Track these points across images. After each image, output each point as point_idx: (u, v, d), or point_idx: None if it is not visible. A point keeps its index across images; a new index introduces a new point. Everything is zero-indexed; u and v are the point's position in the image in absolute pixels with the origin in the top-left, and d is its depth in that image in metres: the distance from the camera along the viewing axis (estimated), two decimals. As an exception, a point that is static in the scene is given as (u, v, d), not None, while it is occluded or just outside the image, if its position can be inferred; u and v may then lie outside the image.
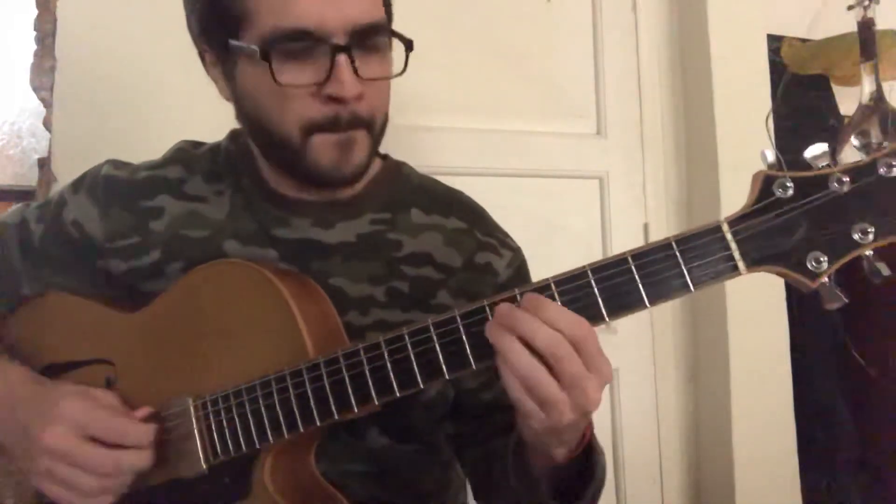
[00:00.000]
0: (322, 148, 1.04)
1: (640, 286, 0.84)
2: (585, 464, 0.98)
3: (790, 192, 0.80)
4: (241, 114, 1.11)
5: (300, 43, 0.99)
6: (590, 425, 0.95)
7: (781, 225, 0.81)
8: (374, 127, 1.08)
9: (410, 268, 1.15)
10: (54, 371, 1.14)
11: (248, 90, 1.06)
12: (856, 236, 0.79)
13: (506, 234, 1.25)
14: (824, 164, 0.80)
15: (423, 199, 1.21)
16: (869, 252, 0.79)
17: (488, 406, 1.17)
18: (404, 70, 1.07)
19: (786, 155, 0.81)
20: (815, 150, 0.80)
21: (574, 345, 0.82)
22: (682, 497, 2.30)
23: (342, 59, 0.99)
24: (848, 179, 0.79)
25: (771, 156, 0.82)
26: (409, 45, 1.05)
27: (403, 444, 1.15)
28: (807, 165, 0.81)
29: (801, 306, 2.25)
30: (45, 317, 1.20)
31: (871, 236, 0.78)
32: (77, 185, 1.21)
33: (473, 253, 1.19)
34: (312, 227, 1.14)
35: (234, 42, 1.02)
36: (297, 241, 1.13)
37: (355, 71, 1.00)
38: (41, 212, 1.22)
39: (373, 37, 1.03)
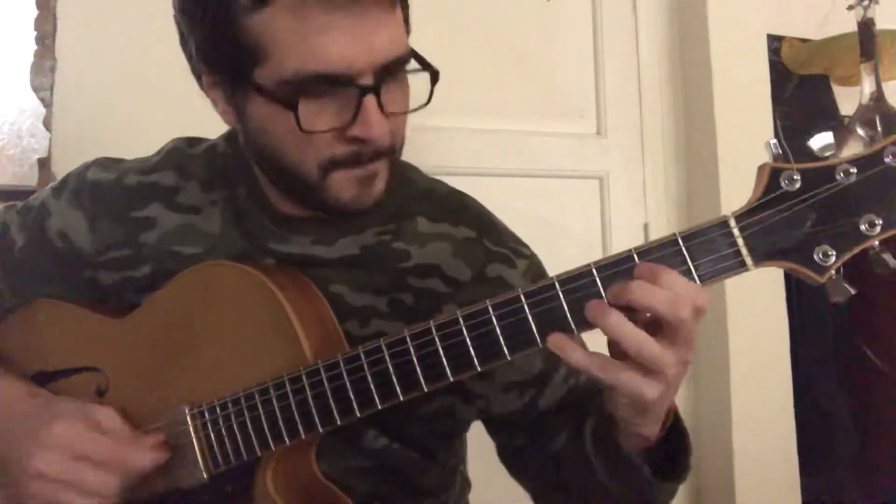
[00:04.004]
0: (343, 184, 0.99)
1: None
2: (670, 440, 0.96)
3: (797, 184, 0.79)
4: (249, 143, 1.04)
5: (325, 86, 0.91)
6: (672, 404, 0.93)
7: (789, 219, 0.79)
8: (395, 153, 1.02)
9: (416, 279, 1.11)
10: (43, 380, 1.11)
11: (262, 127, 0.98)
12: (863, 228, 0.77)
13: (518, 241, 1.19)
14: (830, 154, 0.79)
15: (429, 206, 1.16)
16: (875, 244, 0.78)
17: (539, 416, 1.13)
18: (429, 101, 0.99)
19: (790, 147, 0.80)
20: (821, 141, 0.79)
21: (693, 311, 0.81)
22: (682, 497, 2.29)
23: (370, 100, 0.92)
24: (855, 170, 0.77)
25: (776, 147, 0.80)
26: (434, 76, 0.98)
27: (401, 446, 1.13)
28: (811, 156, 0.80)
29: (801, 306, 2.25)
30: (32, 324, 1.16)
31: (878, 228, 0.77)
32: (59, 189, 1.15)
33: (484, 265, 1.13)
34: (314, 245, 1.10)
35: (257, 81, 0.93)
36: (294, 255, 1.10)
37: (381, 108, 0.94)
38: (23, 219, 1.17)
39: (398, 69, 0.96)
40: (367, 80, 0.92)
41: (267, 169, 1.06)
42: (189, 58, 1.03)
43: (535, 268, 1.17)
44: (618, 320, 0.80)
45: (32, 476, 0.95)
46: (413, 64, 0.99)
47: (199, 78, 1.05)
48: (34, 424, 0.98)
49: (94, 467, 0.95)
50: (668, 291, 0.79)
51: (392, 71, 0.95)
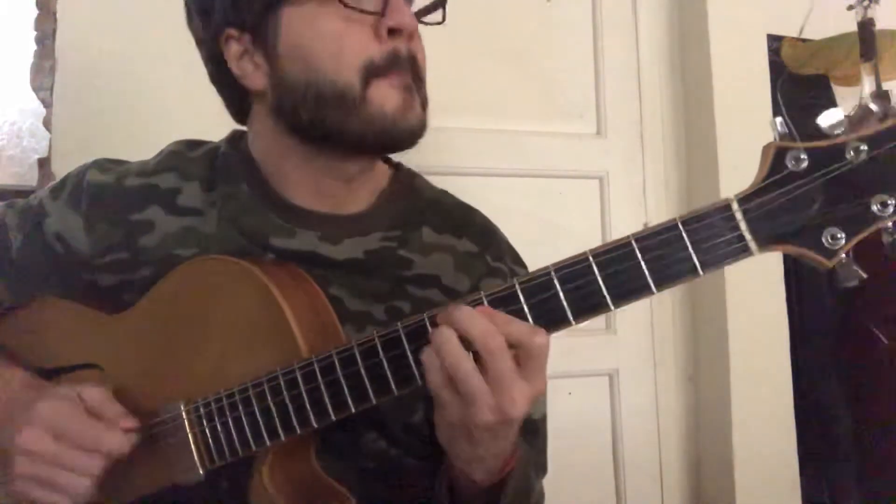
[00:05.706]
0: (386, 92, 1.00)
1: (646, 271, 0.80)
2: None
3: (804, 164, 0.75)
4: (283, 86, 1.04)
5: None
6: (513, 456, 0.94)
7: (795, 200, 0.76)
8: (422, 84, 1.05)
9: (416, 288, 1.11)
10: (42, 377, 1.10)
11: (298, 44, 1.01)
12: (875, 209, 0.73)
13: (516, 259, 1.21)
14: (839, 132, 0.75)
15: (435, 216, 1.17)
16: (889, 225, 0.74)
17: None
18: (443, 20, 1.07)
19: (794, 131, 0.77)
20: (831, 118, 0.75)
21: (521, 348, 0.81)
22: (682, 497, 2.29)
23: None
24: (865, 148, 0.74)
25: (782, 126, 0.77)
26: None
27: (401, 446, 1.13)
28: (819, 134, 0.76)
29: (801, 305, 2.25)
30: (31, 322, 1.16)
31: (890, 208, 0.73)
32: (57, 190, 1.15)
33: (481, 278, 1.14)
34: (320, 242, 1.09)
35: None
36: (299, 252, 1.09)
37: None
38: (21, 218, 1.16)
39: None
40: None
41: (303, 107, 1.03)
42: (210, 34, 1.06)
43: None
44: (441, 332, 0.83)
45: (16, 453, 0.96)
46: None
47: (217, 62, 1.07)
48: (24, 407, 0.99)
49: (73, 447, 0.95)
50: (487, 321, 0.81)
51: None
